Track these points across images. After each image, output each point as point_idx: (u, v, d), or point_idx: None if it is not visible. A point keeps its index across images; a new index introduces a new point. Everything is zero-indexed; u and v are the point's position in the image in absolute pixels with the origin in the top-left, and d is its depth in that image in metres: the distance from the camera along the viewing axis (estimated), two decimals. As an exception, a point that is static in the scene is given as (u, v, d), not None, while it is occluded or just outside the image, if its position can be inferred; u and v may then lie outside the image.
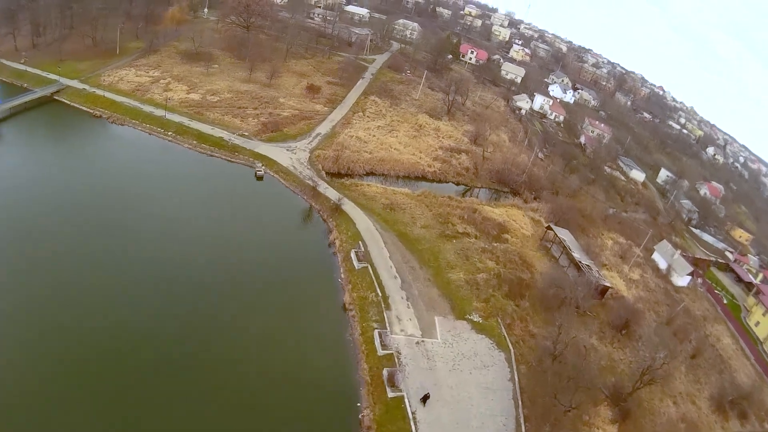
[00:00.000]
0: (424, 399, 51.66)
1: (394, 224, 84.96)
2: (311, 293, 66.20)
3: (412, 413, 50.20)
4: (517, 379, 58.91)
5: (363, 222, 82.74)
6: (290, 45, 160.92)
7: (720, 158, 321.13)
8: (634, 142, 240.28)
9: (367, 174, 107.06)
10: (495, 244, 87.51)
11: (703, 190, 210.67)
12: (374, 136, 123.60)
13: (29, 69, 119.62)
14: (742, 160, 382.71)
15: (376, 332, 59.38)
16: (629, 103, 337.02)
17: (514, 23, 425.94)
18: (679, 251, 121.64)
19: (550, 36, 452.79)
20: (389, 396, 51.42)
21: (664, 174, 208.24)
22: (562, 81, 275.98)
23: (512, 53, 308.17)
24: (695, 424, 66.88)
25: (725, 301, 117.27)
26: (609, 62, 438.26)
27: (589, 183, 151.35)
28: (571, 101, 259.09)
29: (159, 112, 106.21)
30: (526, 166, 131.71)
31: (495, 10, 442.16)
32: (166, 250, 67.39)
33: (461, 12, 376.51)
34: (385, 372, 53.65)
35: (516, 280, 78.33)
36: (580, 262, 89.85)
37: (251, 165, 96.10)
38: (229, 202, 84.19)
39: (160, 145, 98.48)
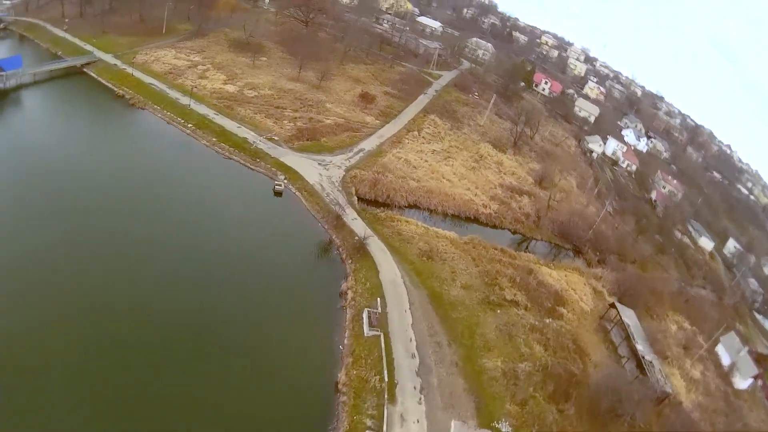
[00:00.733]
0: None
1: (427, 279, 67.56)
2: (299, 360, 49.96)
3: None
4: None
5: (389, 270, 65.92)
6: (349, 47, 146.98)
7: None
8: (704, 204, 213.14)
9: (410, 206, 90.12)
10: (547, 321, 68.86)
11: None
12: (426, 161, 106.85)
13: (68, 37, 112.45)
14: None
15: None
16: (700, 159, 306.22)
17: (589, 60, 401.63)
18: (746, 348, 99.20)
19: (624, 78, 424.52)
20: None
21: (731, 244, 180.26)
22: (636, 126, 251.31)
23: (587, 89, 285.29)
24: None
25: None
26: (680, 113, 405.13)
27: (660, 250, 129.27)
28: (644, 150, 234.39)
29: (185, 100, 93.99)
30: (594, 221, 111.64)
31: (570, 44, 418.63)
32: (148, 262, 55.16)
33: (537, 40, 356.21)
34: None
35: (565, 374, 59.77)
36: (643, 357, 70.82)
37: (272, 176, 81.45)
38: (235, 219, 69.57)
39: (176, 137, 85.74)
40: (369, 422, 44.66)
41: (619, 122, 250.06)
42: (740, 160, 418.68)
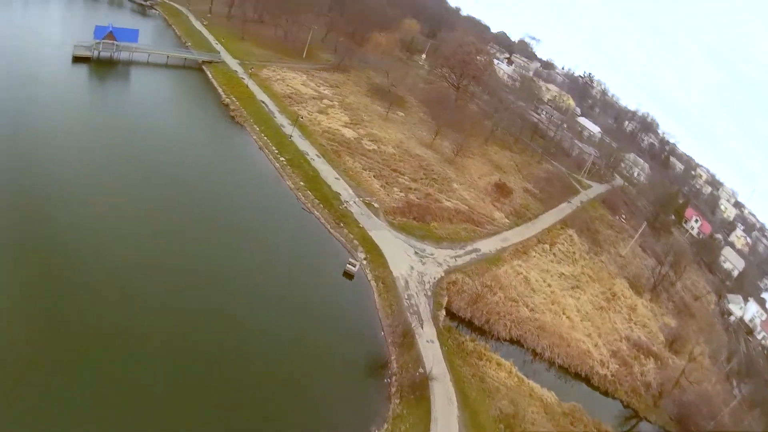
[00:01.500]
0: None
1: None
2: None
3: None
4: None
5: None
6: (497, 127, 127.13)
7: None
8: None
9: (511, 341, 64.32)
10: None
11: None
12: (549, 285, 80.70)
13: (204, 31, 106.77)
14: None
15: None
16: None
17: (738, 204, 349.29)
18: None
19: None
20: None
21: None
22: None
23: (733, 237, 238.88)
24: None
25: None
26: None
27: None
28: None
29: (289, 130, 78.34)
30: (720, 410, 76.36)
31: (721, 184, 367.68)
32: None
33: (692, 172, 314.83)
34: None
35: None
36: None
37: (350, 250, 60.84)
38: (285, 293, 49.79)
39: (261, 168, 69.58)
40: None
41: (759, 283, 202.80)
42: None
